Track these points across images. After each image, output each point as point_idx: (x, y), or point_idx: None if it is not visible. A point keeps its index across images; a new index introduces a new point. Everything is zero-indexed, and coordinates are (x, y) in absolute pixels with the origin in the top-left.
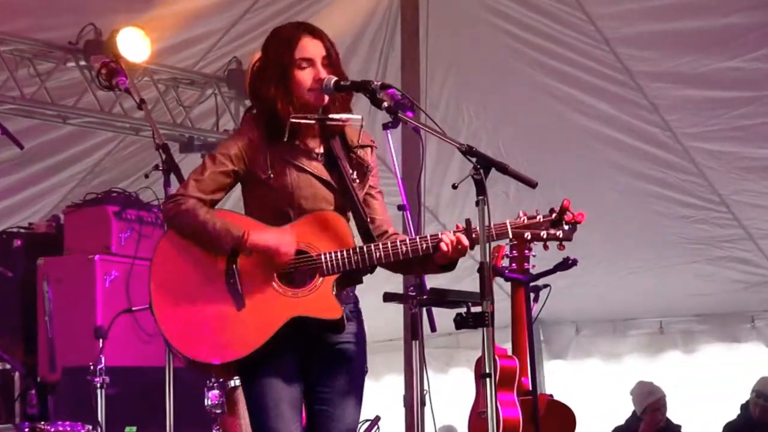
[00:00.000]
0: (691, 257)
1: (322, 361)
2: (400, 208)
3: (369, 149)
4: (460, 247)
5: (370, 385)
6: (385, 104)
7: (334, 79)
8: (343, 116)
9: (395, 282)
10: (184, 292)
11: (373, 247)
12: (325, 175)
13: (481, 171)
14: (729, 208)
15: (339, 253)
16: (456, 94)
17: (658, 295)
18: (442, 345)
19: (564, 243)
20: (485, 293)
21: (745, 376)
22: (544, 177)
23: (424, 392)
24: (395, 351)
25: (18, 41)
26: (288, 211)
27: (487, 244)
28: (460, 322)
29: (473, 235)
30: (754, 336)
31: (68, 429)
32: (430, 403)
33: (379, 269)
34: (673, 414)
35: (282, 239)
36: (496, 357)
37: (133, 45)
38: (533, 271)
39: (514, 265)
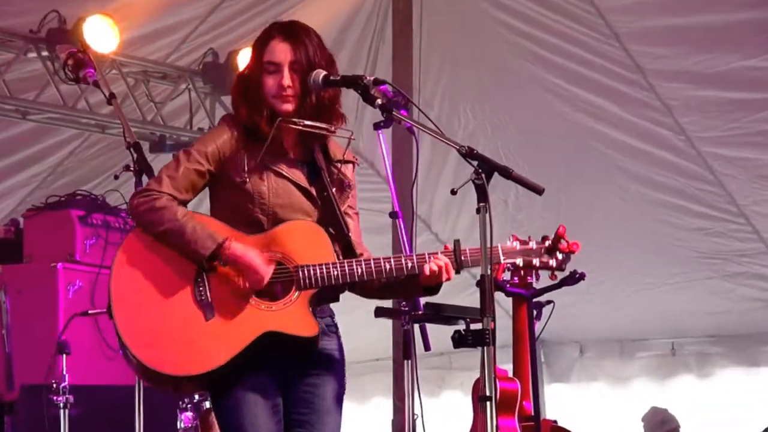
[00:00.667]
0: (706, 273)
1: (298, 380)
2: (392, 215)
3: (351, 166)
4: (446, 274)
5: (355, 407)
6: (378, 102)
7: (323, 73)
8: (330, 127)
9: None
10: (149, 298)
11: (354, 263)
12: (306, 185)
13: (483, 175)
14: (748, 220)
15: (318, 267)
16: (452, 92)
17: (669, 313)
18: (434, 366)
19: (556, 273)
20: (486, 309)
21: (765, 402)
22: (547, 183)
23: (415, 417)
24: (383, 371)
25: None
26: (261, 218)
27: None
28: (459, 341)
29: (462, 257)
30: None
31: None
32: (423, 428)
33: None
34: None
35: (260, 261)
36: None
37: (101, 34)
38: (537, 286)
39: (516, 278)
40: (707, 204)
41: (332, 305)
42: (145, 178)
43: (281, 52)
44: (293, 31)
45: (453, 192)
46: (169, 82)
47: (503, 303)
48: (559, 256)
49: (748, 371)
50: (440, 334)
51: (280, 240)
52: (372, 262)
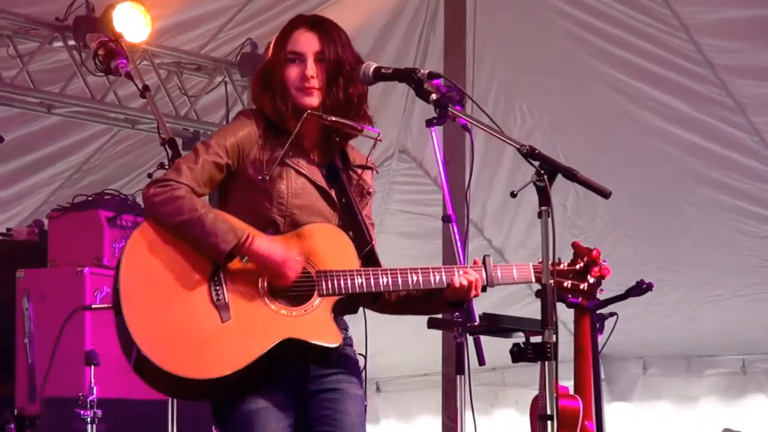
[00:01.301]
0: None
1: (318, 395)
2: (446, 219)
3: (371, 172)
4: (475, 290)
5: (399, 426)
6: (433, 97)
7: (374, 65)
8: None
9: None
10: (160, 295)
11: (380, 272)
12: (326, 187)
13: (546, 177)
14: None
15: (342, 274)
16: (507, 88)
17: (740, 328)
18: (486, 382)
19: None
20: (548, 320)
21: None
22: (608, 186)
23: None
24: (431, 387)
25: None
26: (277, 219)
27: (549, 264)
28: (518, 354)
29: (492, 274)
30: None
31: None
32: None
33: None
34: None
35: (289, 254)
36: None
37: (131, 23)
38: (600, 296)
39: None
40: None
41: (374, 316)
42: None
43: (306, 41)
44: (319, 23)
45: (513, 195)
46: (203, 74)
47: (560, 315)
48: (591, 280)
49: None
50: (493, 347)
51: (301, 242)
52: (398, 272)
